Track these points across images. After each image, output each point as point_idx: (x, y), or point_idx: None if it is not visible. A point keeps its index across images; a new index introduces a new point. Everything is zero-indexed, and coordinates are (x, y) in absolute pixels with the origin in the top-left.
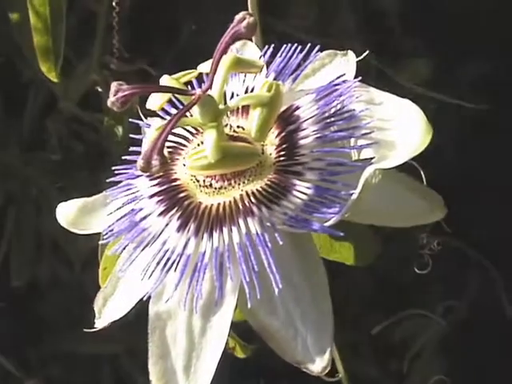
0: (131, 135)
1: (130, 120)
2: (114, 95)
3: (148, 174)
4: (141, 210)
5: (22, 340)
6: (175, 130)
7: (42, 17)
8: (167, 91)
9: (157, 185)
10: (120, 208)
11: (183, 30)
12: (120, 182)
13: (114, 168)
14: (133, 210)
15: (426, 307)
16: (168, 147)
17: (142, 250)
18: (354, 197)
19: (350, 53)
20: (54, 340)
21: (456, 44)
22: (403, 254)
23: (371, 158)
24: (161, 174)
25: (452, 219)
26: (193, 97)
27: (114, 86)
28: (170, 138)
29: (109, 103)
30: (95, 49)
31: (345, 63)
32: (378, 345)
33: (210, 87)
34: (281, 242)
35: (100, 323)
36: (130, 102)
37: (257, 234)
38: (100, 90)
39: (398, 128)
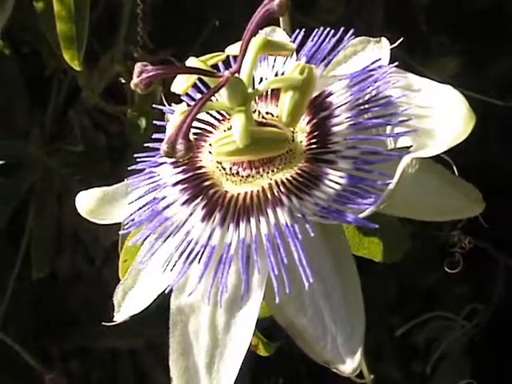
0: (155, 122)
1: (154, 106)
2: (138, 76)
3: (172, 159)
4: (164, 198)
5: (43, 334)
6: (200, 116)
7: (65, 4)
8: (194, 73)
9: (181, 172)
10: (142, 197)
11: (210, 20)
12: (142, 170)
13: (135, 156)
14: (155, 198)
15: (450, 309)
16: (193, 133)
17: (165, 240)
18: (391, 187)
19: (384, 40)
20: (75, 334)
21: (485, 41)
22: (427, 254)
23: (409, 147)
24: (185, 161)
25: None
26: (221, 79)
27: (138, 66)
28: (195, 124)
29: (132, 85)
30: (119, 38)
31: (378, 51)
32: (401, 347)
33: (238, 69)
34: (312, 234)
35: (119, 317)
36: (153, 84)
37: (286, 225)
38: (124, 81)
39: (438, 115)
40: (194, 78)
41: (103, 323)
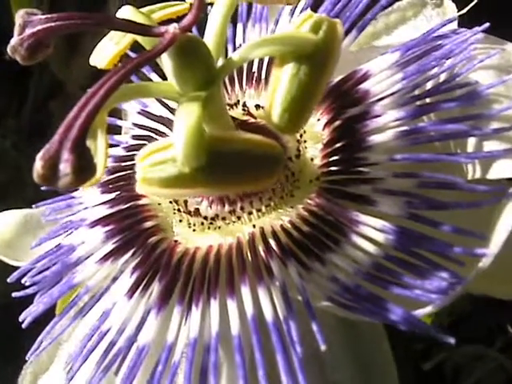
0: None
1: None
2: (20, 34)
3: (55, 188)
4: (74, 248)
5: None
6: (151, 109)
7: None
8: (118, 28)
9: (109, 203)
10: (51, 238)
11: None
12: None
13: None
14: (60, 246)
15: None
16: (137, 137)
17: (75, 318)
18: (488, 260)
19: (448, 2)
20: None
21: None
22: None
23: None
24: (119, 184)
25: None
26: (161, 38)
27: (19, 15)
28: (144, 121)
29: (9, 49)
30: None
31: (438, 18)
32: (427, 372)
33: (194, 22)
34: (323, 347)
35: None
36: (46, 49)
37: (274, 321)
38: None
39: None
40: (127, 40)
41: None
